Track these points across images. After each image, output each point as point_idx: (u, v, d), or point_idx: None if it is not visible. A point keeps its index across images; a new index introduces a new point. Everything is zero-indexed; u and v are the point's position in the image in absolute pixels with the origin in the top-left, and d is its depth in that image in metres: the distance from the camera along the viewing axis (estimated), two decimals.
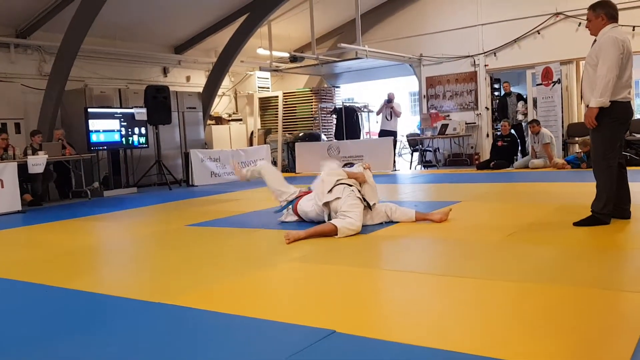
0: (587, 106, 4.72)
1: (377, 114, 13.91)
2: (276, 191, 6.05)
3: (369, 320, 2.80)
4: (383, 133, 13.48)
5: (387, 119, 13.50)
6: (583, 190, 7.30)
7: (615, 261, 3.76)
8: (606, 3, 4.73)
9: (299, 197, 5.78)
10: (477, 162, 12.84)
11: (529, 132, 11.67)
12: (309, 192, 5.79)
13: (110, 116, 10.99)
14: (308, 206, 5.60)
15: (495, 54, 13.34)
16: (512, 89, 13.79)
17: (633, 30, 11.48)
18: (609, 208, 4.69)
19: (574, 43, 12.00)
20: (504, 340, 2.42)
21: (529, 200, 6.84)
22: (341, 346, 2.46)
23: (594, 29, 4.74)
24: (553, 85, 12.11)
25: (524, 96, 13.49)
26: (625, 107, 4.65)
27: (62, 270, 4.49)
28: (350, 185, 5.31)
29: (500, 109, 13.32)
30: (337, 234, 4.89)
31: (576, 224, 4.72)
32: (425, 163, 14.10)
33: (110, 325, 3.01)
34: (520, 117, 13.00)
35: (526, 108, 13.03)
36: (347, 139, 14.06)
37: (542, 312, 2.75)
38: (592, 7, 4.74)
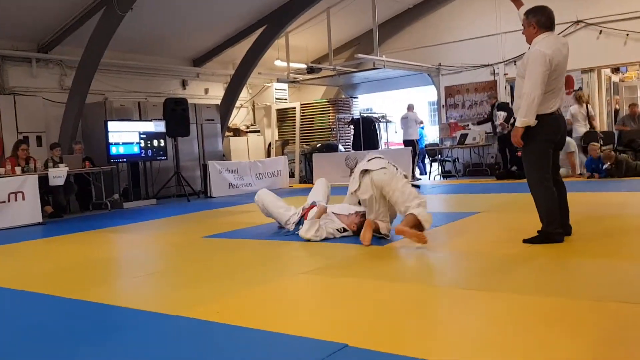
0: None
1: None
2: (278, 215, 6.06)
3: (381, 334, 2.74)
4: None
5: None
6: (606, 201, 7.19)
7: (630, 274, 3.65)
8: (539, 10, 4.49)
9: (305, 213, 5.74)
10: (497, 171, 12.69)
11: None
12: (312, 206, 5.75)
13: (130, 129, 11.09)
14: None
15: (515, 62, 13.20)
16: None
17: (627, 36, 11.55)
18: (555, 225, 4.47)
19: (595, 51, 11.88)
20: (522, 355, 2.35)
21: None
22: None
23: (528, 37, 4.53)
24: (574, 94, 11.93)
25: (509, 106, 12.45)
26: (551, 120, 4.42)
27: (80, 282, 4.51)
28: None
29: (491, 124, 12.68)
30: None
31: (526, 241, 4.52)
32: (444, 173, 13.98)
33: (123, 337, 3.00)
34: (499, 129, 12.08)
35: (504, 117, 12.00)
36: (364, 149, 14.01)
37: (544, 324, 2.68)
38: (525, 14, 4.54)
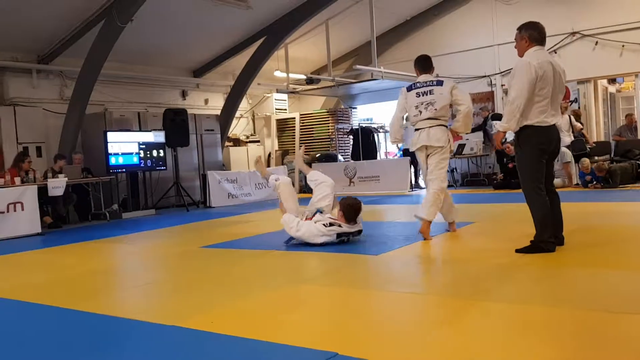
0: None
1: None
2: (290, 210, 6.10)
3: (372, 342, 2.79)
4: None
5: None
6: (599, 211, 7.24)
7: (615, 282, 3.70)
8: (531, 25, 4.65)
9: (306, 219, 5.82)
10: (495, 181, 12.74)
11: None
12: (310, 218, 5.85)
13: (130, 139, 11.16)
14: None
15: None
16: None
17: (623, 47, 11.65)
18: (547, 235, 4.53)
19: (591, 62, 11.98)
20: None
21: None
22: None
23: (519, 51, 4.68)
24: (570, 105, 12.03)
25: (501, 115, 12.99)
26: (541, 132, 4.50)
27: (77, 292, 4.56)
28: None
29: (485, 136, 13.04)
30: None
31: (518, 251, 4.59)
32: None
33: (120, 347, 3.05)
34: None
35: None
36: (363, 159, 14.09)
37: (533, 332, 2.72)
38: (518, 29, 4.69)
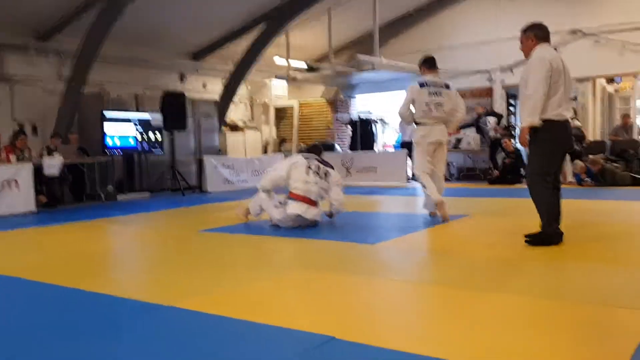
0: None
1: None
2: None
3: (368, 328, 2.82)
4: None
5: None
6: (594, 208, 7.29)
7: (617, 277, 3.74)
8: (535, 25, 4.75)
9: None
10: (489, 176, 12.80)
11: None
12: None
13: (126, 120, 11.11)
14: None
15: (511, 69, 13.30)
16: None
17: (623, 47, 11.76)
18: (554, 227, 4.61)
19: (591, 60, 11.98)
20: (503, 352, 2.42)
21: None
22: (340, 352, 2.49)
23: (526, 51, 4.76)
24: None
25: (497, 112, 13.18)
26: (559, 126, 4.57)
27: (72, 270, 4.55)
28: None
29: (480, 134, 13.12)
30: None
31: (527, 236, 4.66)
32: None
33: (118, 326, 3.05)
34: (491, 133, 12.55)
35: (496, 122, 12.62)
36: (361, 150, 14.09)
37: (526, 324, 2.75)
38: (523, 30, 4.78)
